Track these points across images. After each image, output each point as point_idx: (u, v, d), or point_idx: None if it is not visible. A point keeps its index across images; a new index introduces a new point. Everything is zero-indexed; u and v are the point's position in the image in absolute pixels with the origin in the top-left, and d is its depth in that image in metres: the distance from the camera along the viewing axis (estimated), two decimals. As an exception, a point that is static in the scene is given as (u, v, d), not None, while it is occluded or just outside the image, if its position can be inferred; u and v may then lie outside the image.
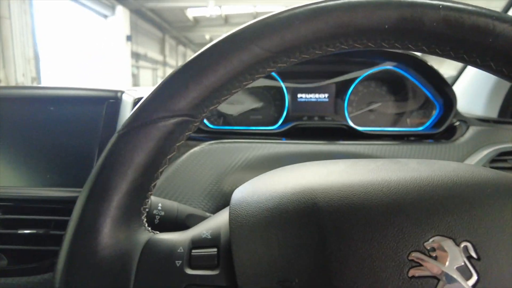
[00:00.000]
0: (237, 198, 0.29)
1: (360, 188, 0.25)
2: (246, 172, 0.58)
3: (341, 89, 0.77)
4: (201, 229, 0.29)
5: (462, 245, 0.22)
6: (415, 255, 0.21)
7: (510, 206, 0.23)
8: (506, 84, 0.80)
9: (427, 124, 0.75)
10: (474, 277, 0.21)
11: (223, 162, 0.58)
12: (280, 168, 0.34)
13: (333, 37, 0.24)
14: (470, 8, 0.24)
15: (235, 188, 0.56)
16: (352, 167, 0.30)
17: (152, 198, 0.41)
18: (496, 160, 0.67)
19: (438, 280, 0.21)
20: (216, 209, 0.53)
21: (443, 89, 0.72)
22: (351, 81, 0.75)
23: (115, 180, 0.25)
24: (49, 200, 0.51)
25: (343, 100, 0.76)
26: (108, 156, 0.25)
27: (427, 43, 0.25)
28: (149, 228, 0.29)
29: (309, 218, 0.24)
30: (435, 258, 0.21)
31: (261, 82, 0.79)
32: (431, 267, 0.21)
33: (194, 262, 0.26)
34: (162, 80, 0.27)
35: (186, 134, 0.27)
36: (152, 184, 0.27)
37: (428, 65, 0.71)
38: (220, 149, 0.60)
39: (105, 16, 7.89)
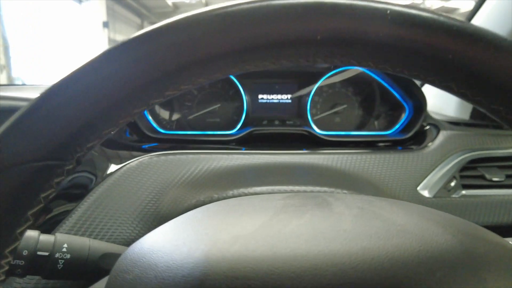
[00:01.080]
0: (119, 266, 0.23)
1: (264, 265, 0.19)
2: (190, 189, 0.51)
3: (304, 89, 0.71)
4: None
5: None
6: None
7: None
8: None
9: (396, 128, 0.70)
10: None
11: (164, 178, 0.52)
12: (186, 216, 0.27)
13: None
14: (425, 14, 0.18)
15: (175, 209, 0.49)
16: (269, 227, 0.23)
17: (58, 236, 0.34)
18: (467, 168, 0.63)
19: None
20: None
21: (411, 91, 0.66)
22: (315, 81, 0.69)
23: None
24: None
25: (306, 102, 0.70)
26: None
27: (373, 59, 0.19)
28: None
29: None
30: None
31: (219, 81, 0.72)
32: None
33: None
34: (17, 112, 0.20)
35: (57, 181, 0.20)
36: (9, 249, 0.21)
37: None
38: (161, 162, 0.53)
39: (80, 1, 7.57)
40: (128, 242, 0.46)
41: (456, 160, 0.62)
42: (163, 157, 0.54)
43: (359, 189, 0.54)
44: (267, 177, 0.54)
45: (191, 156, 0.55)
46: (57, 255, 0.32)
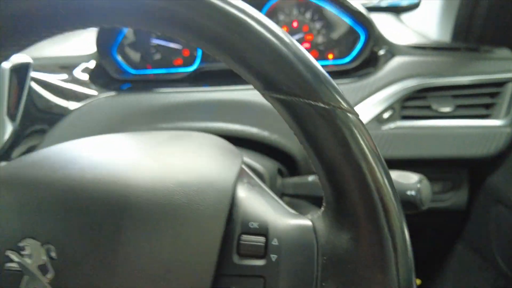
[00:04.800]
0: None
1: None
2: (126, 126, 0.59)
3: None
4: None
5: (45, 246, 0.22)
6: (9, 253, 0.23)
7: (88, 209, 0.23)
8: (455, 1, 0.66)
9: (351, 55, 0.67)
10: (51, 273, 0.22)
11: (115, 118, 0.60)
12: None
13: None
14: None
15: None
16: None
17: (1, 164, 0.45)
18: (414, 98, 0.59)
19: (23, 274, 0.22)
20: None
21: (359, 17, 0.62)
22: (259, 6, 0.67)
23: None
24: None
25: None
26: None
27: None
28: None
29: None
30: (26, 256, 0.23)
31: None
32: (21, 263, 0.22)
33: None
34: None
35: None
36: None
37: None
38: (114, 102, 0.61)
39: None
40: None
41: (400, 88, 0.59)
42: (110, 99, 0.62)
43: None
44: (200, 113, 0.59)
45: (133, 96, 0.62)
46: None
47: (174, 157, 0.28)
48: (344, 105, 0.21)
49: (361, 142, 0.20)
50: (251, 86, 0.61)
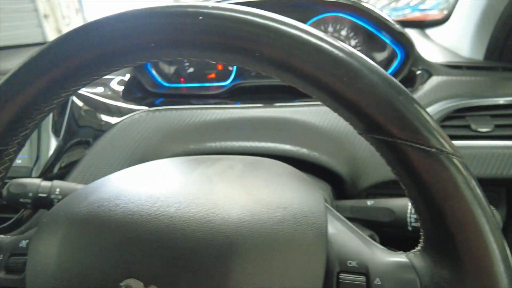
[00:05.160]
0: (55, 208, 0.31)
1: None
2: (170, 142, 0.60)
3: None
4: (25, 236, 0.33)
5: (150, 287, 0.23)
6: None
7: (192, 249, 0.24)
8: (493, 18, 0.67)
9: (387, 74, 0.68)
10: None
11: (149, 132, 0.60)
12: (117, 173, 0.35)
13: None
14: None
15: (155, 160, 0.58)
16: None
17: (54, 182, 0.45)
18: (452, 118, 0.60)
19: None
20: None
21: (394, 34, 0.63)
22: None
23: None
24: None
25: None
26: None
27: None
28: None
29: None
30: None
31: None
32: None
33: (13, 267, 0.31)
34: None
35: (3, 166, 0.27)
36: None
37: (367, 10, 0.62)
38: (148, 118, 0.62)
39: None
40: None
41: (438, 109, 0.60)
42: (150, 114, 0.62)
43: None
44: (239, 131, 0.60)
45: (174, 112, 0.63)
46: (52, 196, 0.44)
47: (262, 191, 0.29)
48: (452, 149, 0.21)
49: (475, 187, 0.21)
50: (290, 103, 0.62)
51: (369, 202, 0.43)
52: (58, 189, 0.45)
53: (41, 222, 0.29)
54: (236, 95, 0.72)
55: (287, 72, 0.22)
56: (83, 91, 0.68)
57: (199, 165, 0.34)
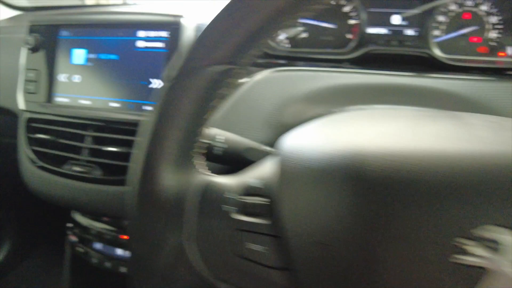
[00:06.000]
0: (288, 150, 0.29)
1: (415, 159, 0.23)
2: (309, 104, 0.56)
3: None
4: (253, 177, 0.30)
5: None
6: (461, 241, 0.21)
7: None
8: None
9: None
10: None
11: (285, 92, 0.57)
12: (334, 115, 0.33)
13: None
14: None
15: (296, 120, 0.55)
16: (411, 127, 0.28)
17: (217, 131, 0.43)
18: None
19: (485, 271, 0.20)
20: (275, 141, 0.54)
21: None
22: None
23: (165, 128, 0.28)
24: (127, 123, 0.58)
25: (428, 21, 0.65)
26: (159, 105, 0.28)
27: None
28: (204, 170, 0.31)
29: (357, 188, 0.24)
30: (486, 247, 0.20)
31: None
32: (479, 256, 0.20)
33: (246, 209, 0.28)
34: (205, 27, 0.27)
35: (230, 81, 0.28)
36: (199, 130, 0.29)
37: None
38: (283, 77, 0.58)
39: None
40: None
41: None
42: (284, 73, 0.59)
43: None
44: (385, 97, 0.56)
45: (308, 73, 0.59)
46: (219, 144, 0.42)
47: None
48: None
49: None
50: (443, 75, 0.57)
51: None
52: (222, 138, 0.43)
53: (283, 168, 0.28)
54: (356, 62, 0.68)
55: None
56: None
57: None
